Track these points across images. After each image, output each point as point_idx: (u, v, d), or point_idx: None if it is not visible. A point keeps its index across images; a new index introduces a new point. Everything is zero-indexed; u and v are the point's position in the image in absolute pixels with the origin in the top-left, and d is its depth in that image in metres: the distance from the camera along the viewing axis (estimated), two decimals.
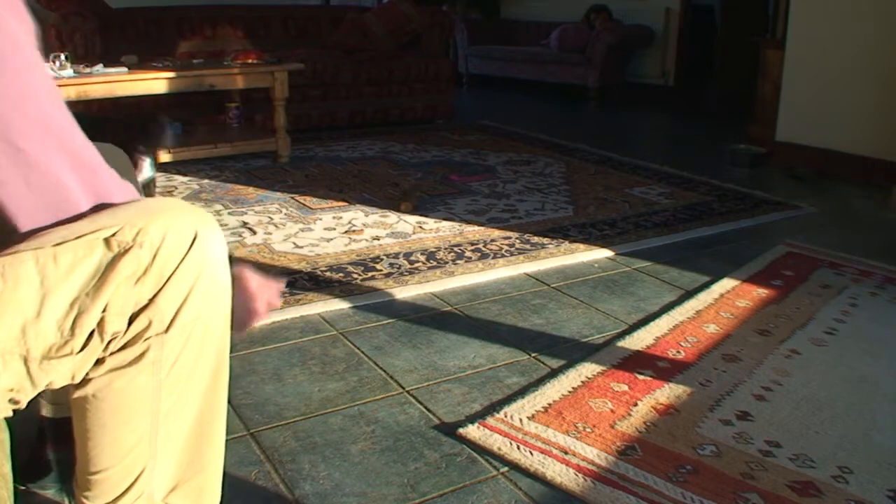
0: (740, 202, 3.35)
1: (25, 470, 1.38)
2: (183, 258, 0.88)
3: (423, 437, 1.56)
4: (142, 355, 0.89)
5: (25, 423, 1.16)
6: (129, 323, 0.87)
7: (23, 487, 1.37)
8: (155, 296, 0.87)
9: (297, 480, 1.42)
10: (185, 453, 1.02)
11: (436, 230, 2.89)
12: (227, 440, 1.52)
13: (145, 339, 0.89)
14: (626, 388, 1.73)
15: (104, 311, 0.84)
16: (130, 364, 0.90)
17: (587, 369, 1.81)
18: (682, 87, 6.44)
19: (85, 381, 0.91)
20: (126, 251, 0.84)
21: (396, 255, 2.60)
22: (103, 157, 0.93)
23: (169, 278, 0.87)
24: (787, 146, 4.07)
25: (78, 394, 0.93)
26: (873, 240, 2.89)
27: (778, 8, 4.91)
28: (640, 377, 1.78)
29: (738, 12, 6.08)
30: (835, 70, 3.84)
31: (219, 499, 1.12)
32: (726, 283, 2.36)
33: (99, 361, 0.89)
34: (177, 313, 0.89)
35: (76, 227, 0.85)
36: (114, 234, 0.85)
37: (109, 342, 0.87)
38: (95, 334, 0.85)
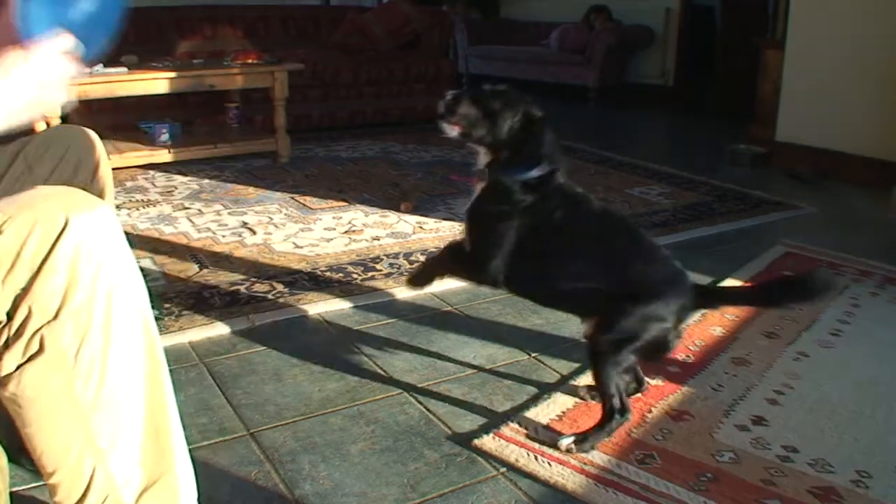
0: (740, 202, 3.35)
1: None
2: (53, 245, 0.89)
3: (423, 437, 1.56)
4: (40, 349, 0.90)
5: None
6: (11, 314, 0.89)
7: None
8: (30, 284, 0.88)
9: (297, 480, 1.42)
10: (147, 452, 1.02)
11: (436, 230, 2.88)
12: (226, 440, 1.53)
13: (35, 332, 0.90)
14: (638, 394, 1.72)
15: None
16: (31, 359, 0.91)
17: None
18: (682, 87, 6.44)
19: (2, 385, 0.92)
20: None
21: (396, 255, 2.60)
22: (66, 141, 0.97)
23: (41, 266, 0.88)
24: (787, 146, 4.06)
25: (4, 396, 0.94)
26: (873, 240, 2.89)
27: (778, 8, 4.91)
28: (652, 382, 1.77)
29: (738, 12, 6.08)
30: (835, 70, 3.84)
31: (195, 494, 1.12)
32: (728, 284, 2.35)
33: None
34: (63, 300, 0.90)
35: None
36: None
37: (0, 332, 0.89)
38: None
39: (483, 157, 1.55)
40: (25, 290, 0.89)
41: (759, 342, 1.99)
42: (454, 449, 1.52)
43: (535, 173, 1.48)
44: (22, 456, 1.37)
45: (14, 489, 1.28)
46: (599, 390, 1.51)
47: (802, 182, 3.77)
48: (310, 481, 1.41)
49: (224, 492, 1.38)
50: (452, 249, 1.67)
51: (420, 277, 1.74)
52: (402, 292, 2.29)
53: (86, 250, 0.91)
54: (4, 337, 0.91)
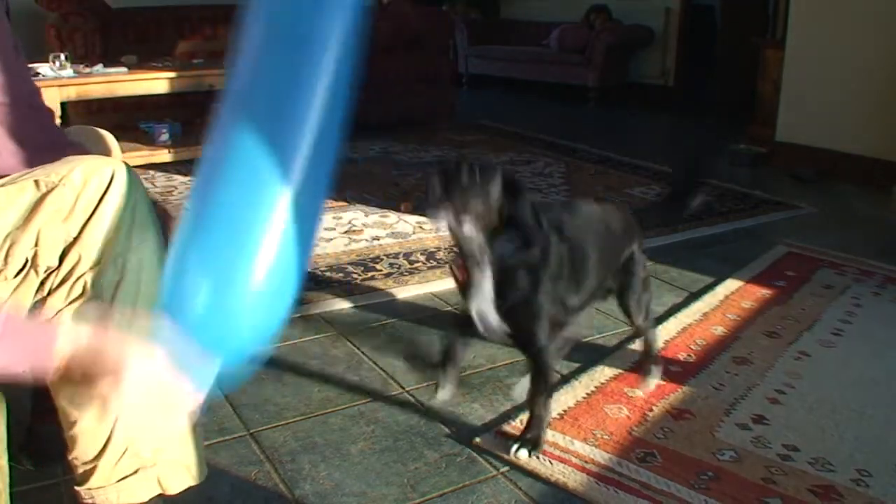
0: (740, 202, 3.35)
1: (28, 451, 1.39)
2: (103, 196, 0.98)
3: (423, 437, 1.55)
4: (83, 293, 0.98)
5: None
6: (62, 260, 0.97)
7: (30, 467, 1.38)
8: (81, 232, 0.96)
9: (297, 480, 1.41)
10: (158, 405, 1.04)
11: (436, 230, 2.88)
12: (226, 440, 1.53)
13: (80, 277, 0.97)
14: (640, 393, 1.72)
15: (36, 245, 0.95)
16: (75, 300, 0.98)
17: (599, 374, 1.79)
18: (682, 87, 6.44)
19: None
20: (51, 190, 0.96)
21: (396, 255, 2.59)
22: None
23: (92, 214, 0.96)
24: (787, 146, 4.06)
25: None
26: (873, 240, 2.88)
27: (778, 8, 4.91)
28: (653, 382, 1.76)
29: (738, 12, 6.08)
30: (835, 70, 3.83)
31: (196, 449, 1.16)
32: (730, 285, 2.35)
33: (43, 301, 0.98)
34: (106, 246, 0.97)
35: (14, 176, 0.99)
36: (42, 178, 0.97)
37: (46, 279, 0.97)
38: (30, 267, 0.96)
39: (478, 240, 1.32)
40: (76, 239, 0.97)
41: (760, 341, 1.99)
42: (454, 449, 1.52)
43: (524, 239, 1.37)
44: (23, 454, 1.38)
45: (14, 489, 1.28)
46: (648, 318, 1.75)
47: (802, 182, 3.77)
48: (310, 481, 1.41)
49: (224, 492, 1.37)
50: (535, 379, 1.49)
51: (538, 437, 1.49)
52: (402, 292, 2.28)
53: (128, 201, 1.00)
54: (49, 284, 0.97)
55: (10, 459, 1.08)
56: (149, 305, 1.02)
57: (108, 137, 1.46)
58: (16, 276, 0.95)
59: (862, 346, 1.98)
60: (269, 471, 1.44)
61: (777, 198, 3.42)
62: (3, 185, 0.97)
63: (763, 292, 2.30)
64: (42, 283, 0.98)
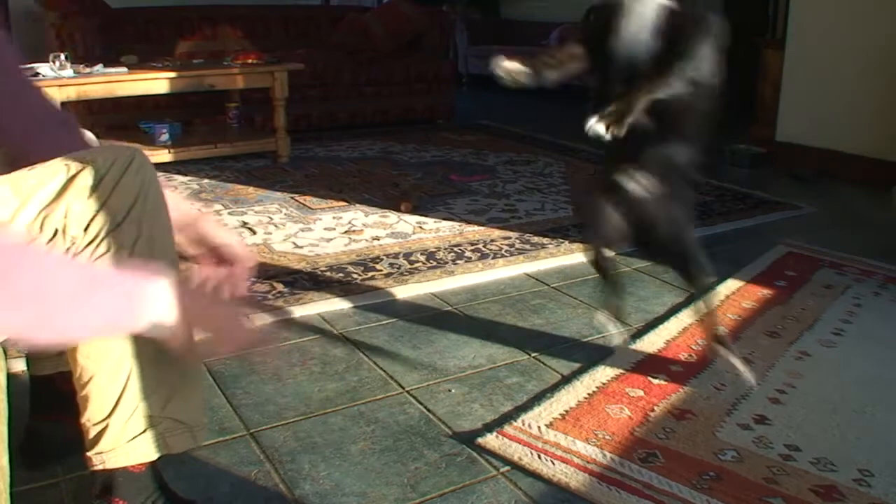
0: (740, 202, 3.35)
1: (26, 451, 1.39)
2: (123, 173, 1.11)
3: (423, 437, 1.55)
4: (106, 251, 1.09)
5: None
6: (86, 229, 1.09)
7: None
8: (104, 203, 1.10)
9: (297, 480, 1.41)
10: (170, 363, 1.13)
11: (436, 230, 2.88)
12: (226, 440, 1.53)
13: (104, 237, 1.10)
14: (641, 393, 1.72)
15: (65, 217, 1.07)
16: (99, 258, 1.09)
17: (601, 374, 1.79)
18: None
19: None
20: (79, 172, 1.09)
21: (396, 255, 2.59)
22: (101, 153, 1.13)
23: (114, 188, 1.10)
24: (787, 146, 4.06)
25: None
26: (873, 240, 2.88)
27: (778, 8, 4.91)
28: (655, 381, 1.76)
29: (738, 12, 6.08)
30: (835, 70, 3.83)
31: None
32: (731, 285, 2.35)
33: None
34: (126, 214, 1.11)
35: (49, 162, 1.13)
36: (71, 162, 1.11)
37: (71, 246, 1.09)
38: (60, 234, 1.08)
39: None
40: (100, 209, 1.10)
41: (761, 341, 1.98)
42: (454, 449, 1.52)
43: None
44: (23, 454, 1.37)
45: (14, 489, 1.28)
46: None
47: (802, 182, 3.77)
48: (310, 481, 1.41)
49: (224, 492, 1.37)
50: None
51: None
52: (402, 292, 2.28)
53: (146, 176, 1.14)
54: (73, 249, 1.09)
55: (10, 459, 1.08)
56: (162, 257, 1.15)
57: (88, 134, 1.52)
58: (47, 242, 1.08)
59: (863, 345, 1.97)
60: (269, 471, 1.44)
61: (777, 198, 3.42)
62: (38, 170, 1.11)
63: (763, 292, 2.30)
64: (67, 250, 1.09)
